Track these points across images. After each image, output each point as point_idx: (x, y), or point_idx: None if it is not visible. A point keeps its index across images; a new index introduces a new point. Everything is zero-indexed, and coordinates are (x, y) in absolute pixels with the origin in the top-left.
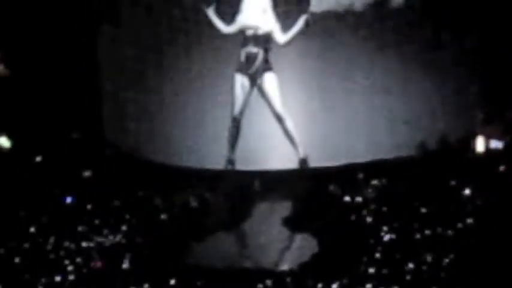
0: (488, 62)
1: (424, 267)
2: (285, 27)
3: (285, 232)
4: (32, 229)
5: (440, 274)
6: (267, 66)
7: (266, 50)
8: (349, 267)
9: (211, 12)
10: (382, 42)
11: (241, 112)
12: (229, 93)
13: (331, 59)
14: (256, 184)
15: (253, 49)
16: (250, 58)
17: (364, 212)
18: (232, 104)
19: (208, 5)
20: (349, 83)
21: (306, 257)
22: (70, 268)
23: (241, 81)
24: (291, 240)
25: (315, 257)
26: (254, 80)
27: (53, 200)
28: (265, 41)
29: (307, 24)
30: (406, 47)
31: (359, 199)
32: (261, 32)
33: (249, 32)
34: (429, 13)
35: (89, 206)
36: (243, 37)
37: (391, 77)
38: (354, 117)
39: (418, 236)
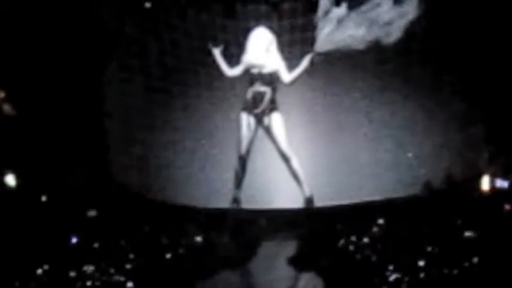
0: (493, 101)
1: None
2: (290, 67)
3: (291, 271)
4: (38, 269)
5: None
6: (273, 105)
7: (273, 89)
8: None
9: (217, 53)
10: (386, 81)
11: (247, 151)
12: (235, 132)
13: (336, 99)
14: (262, 222)
15: (261, 88)
16: (258, 97)
17: (370, 251)
18: (238, 143)
19: (216, 46)
20: (353, 122)
21: None
22: None
23: (247, 120)
24: (296, 279)
25: None
26: (260, 119)
27: (58, 239)
28: (272, 80)
29: (311, 63)
30: (411, 86)
31: (365, 238)
32: (267, 70)
33: (256, 71)
34: (434, 53)
35: (94, 246)
36: (250, 76)
37: (396, 116)
38: (359, 156)
39: (423, 275)
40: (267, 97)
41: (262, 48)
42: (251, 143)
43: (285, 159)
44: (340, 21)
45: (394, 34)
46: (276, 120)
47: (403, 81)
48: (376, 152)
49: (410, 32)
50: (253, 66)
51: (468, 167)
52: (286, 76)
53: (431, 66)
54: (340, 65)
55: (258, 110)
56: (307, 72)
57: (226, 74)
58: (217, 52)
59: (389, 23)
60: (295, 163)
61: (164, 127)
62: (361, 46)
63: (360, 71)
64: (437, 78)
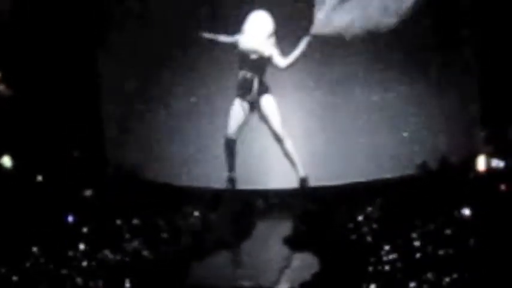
0: (489, 80)
1: (426, 287)
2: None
3: (285, 251)
4: (33, 248)
5: None
6: (263, 88)
7: (261, 74)
8: (350, 287)
9: (211, 36)
10: (383, 61)
11: (236, 133)
12: (228, 113)
13: (331, 79)
14: (257, 202)
15: (248, 73)
16: (247, 82)
17: (365, 231)
18: (228, 124)
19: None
20: (349, 102)
21: (306, 276)
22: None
23: (240, 102)
24: (291, 259)
25: (315, 276)
26: (251, 102)
27: (55, 219)
28: (262, 64)
29: (309, 46)
30: (408, 66)
31: (360, 218)
32: (260, 56)
33: (249, 56)
34: (430, 32)
35: (90, 225)
36: (240, 60)
37: (392, 96)
38: (354, 136)
39: (419, 255)
40: (256, 82)
41: (260, 35)
42: (244, 125)
43: (278, 140)
44: (336, 3)
45: (390, 15)
46: (268, 102)
47: (400, 62)
48: (372, 132)
49: (407, 13)
50: (248, 51)
51: (464, 147)
52: (281, 61)
53: (427, 47)
54: (336, 46)
55: (248, 94)
56: (304, 55)
57: (234, 40)
58: (210, 35)
59: (385, 4)
60: (289, 144)
61: (160, 108)
62: (357, 28)
63: (357, 53)
64: (434, 59)
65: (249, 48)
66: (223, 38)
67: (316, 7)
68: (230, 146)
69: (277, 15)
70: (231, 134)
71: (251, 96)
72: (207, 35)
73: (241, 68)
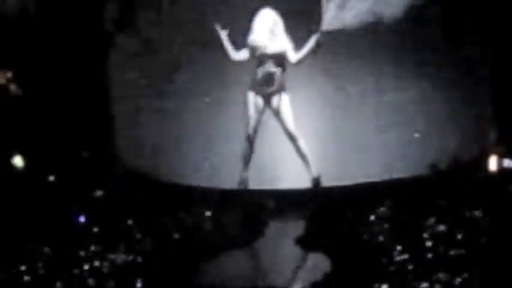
0: (501, 80)
1: (437, 287)
2: (295, 46)
3: (298, 251)
4: (45, 248)
5: None
6: (280, 85)
7: (283, 70)
8: (362, 287)
9: (224, 36)
10: (394, 62)
11: (255, 131)
12: (241, 113)
13: (342, 78)
14: (269, 202)
15: (271, 68)
16: (268, 78)
17: (377, 231)
18: (246, 123)
19: (222, 28)
20: (360, 103)
21: (318, 276)
22: None
23: (254, 100)
24: (303, 259)
25: (327, 276)
26: (268, 99)
27: (66, 219)
28: (281, 60)
29: (318, 43)
30: (419, 66)
31: (372, 218)
32: (274, 51)
33: (260, 52)
34: (442, 32)
35: (100, 226)
36: (258, 57)
37: (404, 96)
38: (365, 136)
39: (430, 255)
40: (277, 77)
41: (266, 30)
42: (258, 123)
43: (292, 139)
44: None
45: (402, 8)
46: (283, 100)
47: (411, 62)
48: (383, 132)
49: (420, 7)
50: (257, 48)
51: (475, 147)
52: (293, 56)
53: (438, 47)
54: (347, 44)
55: (267, 90)
56: (314, 52)
57: (232, 57)
58: (223, 34)
59: None
60: (302, 143)
61: (171, 109)
62: (369, 24)
63: (369, 51)
64: (445, 59)
65: (256, 45)
66: (231, 51)
67: (325, 3)
68: (250, 144)
69: (287, 12)
70: (251, 131)
71: (270, 89)
72: (221, 35)
73: (261, 65)
